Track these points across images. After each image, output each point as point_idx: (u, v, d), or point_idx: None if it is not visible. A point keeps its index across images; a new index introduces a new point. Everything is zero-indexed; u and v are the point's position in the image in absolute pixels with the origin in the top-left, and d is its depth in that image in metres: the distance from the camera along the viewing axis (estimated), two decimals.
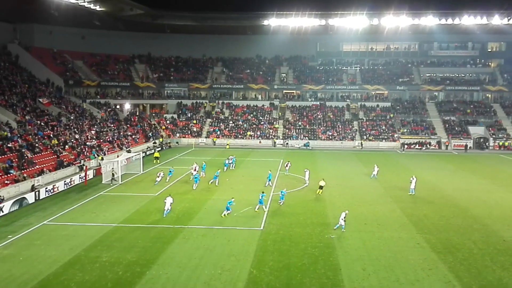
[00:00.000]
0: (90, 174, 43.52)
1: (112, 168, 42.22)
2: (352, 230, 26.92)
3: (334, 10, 74.76)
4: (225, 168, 47.25)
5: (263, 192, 32.53)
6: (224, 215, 29.76)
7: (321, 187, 36.76)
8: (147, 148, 62.52)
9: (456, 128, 74.46)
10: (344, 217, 26.65)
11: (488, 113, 78.52)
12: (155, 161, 53.83)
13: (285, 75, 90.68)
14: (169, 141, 70.88)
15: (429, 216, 30.12)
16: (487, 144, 71.00)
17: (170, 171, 42.47)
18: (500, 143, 70.33)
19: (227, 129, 76.06)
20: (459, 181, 43.42)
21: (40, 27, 75.86)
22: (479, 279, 20.02)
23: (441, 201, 34.85)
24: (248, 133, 74.55)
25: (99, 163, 46.61)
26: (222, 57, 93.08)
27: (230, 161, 49.22)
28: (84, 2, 62.62)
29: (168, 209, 30.32)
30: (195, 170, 42.66)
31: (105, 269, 20.92)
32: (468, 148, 68.91)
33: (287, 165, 46.61)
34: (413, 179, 37.10)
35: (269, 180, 40.15)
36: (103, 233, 26.12)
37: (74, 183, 40.51)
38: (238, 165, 50.20)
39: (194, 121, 77.96)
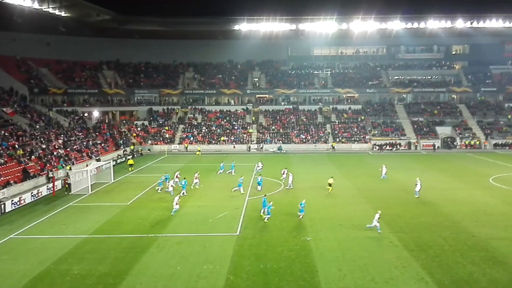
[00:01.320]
0: (58, 184, 42.38)
1: (66, 178, 41.27)
2: (327, 232, 27.02)
3: (305, 15, 75.60)
4: (233, 170, 47.96)
5: (265, 196, 32.54)
6: (301, 217, 29.63)
7: (330, 185, 38.54)
8: (117, 156, 61.47)
9: (424, 129, 76.02)
10: (378, 218, 26.74)
11: (454, 113, 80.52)
12: (130, 168, 53.10)
13: (257, 79, 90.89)
14: (140, 148, 69.83)
15: (401, 215, 30.50)
16: (454, 143, 72.66)
17: (160, 183, 40.84)
18: (466, 142, 72.11)
19: (200, 135, 75.54)
20: (428, 180, 44.03)
21: (2, 34, 73.08)
22: (450, 275, 20.39)
23: (412, 200, 35.39)
24: (222, 138, 74.23)
25: (67, 173, 45.54)
26: (194, 62, 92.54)
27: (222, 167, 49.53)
28: (49, 8, 61.18)
29: (175, 207, 31.37)
30: (196, 178, 41.92)
31: (76, 282, 20.29)
32: (436, 148, 70.43)
33: (258, 167, 47.99)
34: (418, 181, 36.73)
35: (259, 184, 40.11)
36: (73, 245, 25.35)
37: (41, 194, 39.27)
38: (212, 171, 49.82)
39: (166, 128, 77.13)
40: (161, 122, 79.25)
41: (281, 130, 76.95)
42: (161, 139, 74.38)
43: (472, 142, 72.11)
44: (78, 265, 22.31)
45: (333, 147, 70.66)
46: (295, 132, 76.04)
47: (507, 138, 72.28)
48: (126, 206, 34.72)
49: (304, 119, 79.92)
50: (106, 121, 76.52)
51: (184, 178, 39.78)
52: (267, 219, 29.37)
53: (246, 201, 35.26)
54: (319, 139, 73.95)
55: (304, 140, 73.88)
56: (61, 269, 21.84)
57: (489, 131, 74.45)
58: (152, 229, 28.18)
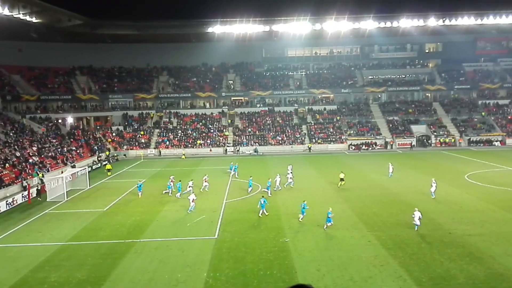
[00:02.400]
0: (34, 192, 41.57)
1: (37, 184, 40.61)
2: (305, 232, 27.19)
3: (278, 16, 75.73)
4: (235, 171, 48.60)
5: (262, 197, 32.65)
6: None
7: (342, 179, 40.48)
8: (93, 162, 60.65)
9: (400, 128, 77.06)
10: (420, 217, 26.92)
11: (429, 111, 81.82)
12: (108, 173, 52.69)
13: (232, 82, 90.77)
14: (116, 154, 69.03)
15: (378, 214, 30.85)
16: (429, 141, 73.82)
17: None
18: (441, 140, 73.35)
19: (176, 139, 75.10)
20: (405, 178, 44.81)
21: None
22: (428, 272, 20.65)
23: (389, 198, 35.84)
24: (198, 141, 73.92)
25: (40, 181, 44.78)
26: (167, 66, 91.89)
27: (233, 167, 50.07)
28: (19, 14, 60.01)
29: (192, 205, 32.53)
30: (205, 181, 41.56)
31: None
32: (412, 146, 71.56)
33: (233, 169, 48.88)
34: (434, 182, 36.31)
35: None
36: (50, 253, 24.98)
37: (16, 202, 38.57)
38: (188, 174, 49.57)
39: (142, 132, 76.42)
40: (136, 127, 78.47)
41: (257, 132, 77.05)
42: (136, 144, 73.66)
43: (447, 140, 73.40)
44: (56, 272, 21.99)
45: (310, 148, 71.08)
46: (271, 134, 76.23)
47: (481, 135, 73.73)
48: (102, 212, 34.30)
49: (280, 121, 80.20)
50: (81, 127, 75.42)
51: (180, 181, 39.87)
52: (301, 219, 29.79)
53: (224, 204, 35.20)
54: (295, 141, 74.29)
55: (280, 142, 74.14)
56: (38, 277, 21.51)
57: (463, 129, 75.88)
58: (130, 235, 27.90)
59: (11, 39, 74.11)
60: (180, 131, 77.25)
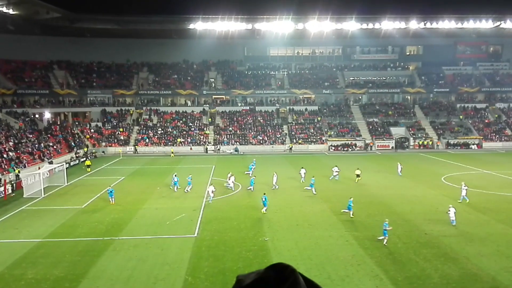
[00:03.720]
0: (9, 188, 40.86)
1: (13, 180, 39.93)
2: (284, 231, 27.33)
3: (260, 14, 75.69)
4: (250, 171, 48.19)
5: (264, 194, 32.87)
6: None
7: (358, 175, 42.15)
8: (70, 159, 59.83)
9: (379, 129, 77.86)
10: (455, 213, 27.66)
11: (408, 114, 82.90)
12: (87, 169, 52.34)
13: (213, 80, 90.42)
14: (94, 150, 68.18)
15: (356, 214, 31.10)
16: (407, 144, 74.79)
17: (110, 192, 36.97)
18: (420, 142, 74.34)
19: (156, 136, 74.56)
20: (382, 179, 45.33)
21: None
22: (404, 271, 21.02)
23: (367, 199, 36.18)
24: (178, 140, 73.52)
25: (16, 177, 44.05)
26: (148, 62, 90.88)
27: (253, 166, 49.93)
28: None
29: (211, 196, 33.51)
30: (229, 179, 41.25)
31: (31, 286, 19.78)
32: (397, 147, 72.30)
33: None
34: (464, 186, 35.54)
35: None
36: (27, 250, 24.63)
37: None
38: (168, 172, 49.27)
39: (121, 129, 75.63)
40: (115, 124, 77.61)
41: (238, 131, 77.00)
42: (115, 141, 72.88)
43: (425, 142, 74.44)
44: (33, 269, 21.73)
45: (291, 148, 71.33)
46: (252, 133, 76.28)
47: (458, 138, 75.01)
48: (81, 209, 33.91)
49: (261, 120, 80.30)
50: (58, 123, 74.27)
51: (175, 175, 40.77)
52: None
53: (203, 203, 35.13)
54: (276, 140, 74.48)
55: (261, 141, 74.23)
56: (15, 274, 21.24)
57: (441, 131, 77.07)
58: (108, 232, 27.67)
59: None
60: (160, 129, 76.71)
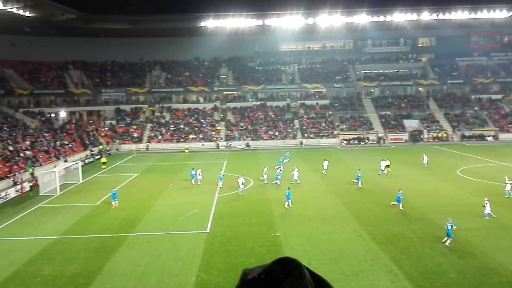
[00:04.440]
0: (27, 186, 41.49)
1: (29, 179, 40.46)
2: (297, 226, 27.34)
3: (271, 10, 75.61)
4: (281, 165, 47.36)
5: (288, 188, 32.72)
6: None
7: (388, 166, 42.26)
8: (85, 157, 60.45)
9: (392, 122, 77.25)
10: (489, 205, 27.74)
11: (422, 106, 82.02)
12: (103, 166, 53.18)
13: (225, 76, 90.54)
14: (108, 148, 68.83)
15: (370, 209, 31.03)
16: (421, 136, 74.08)
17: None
18: (434, 135, 73.54)
19: (168, 133, 74.98)
20: (397, 173, 44.97)
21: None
22: (419, 266, 20.76)
23: (380, 193, 35.87)
24: (190, 136, 73.84)
25: (31, 175, 44.72)
26: (160, 60, 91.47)
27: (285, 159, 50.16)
28: (13, 8, 59.59)
29: (241, 187, 33.89)
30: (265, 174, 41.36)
31: (47, 283, 20.11)
32: (416, 139, 71.79)
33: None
34: (508, 181, 34.35)
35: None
36: (43, 246, 25.06)
37: (9, 196, 38.52)
38: (181, 168, 49.56)
39: (134, 127, 76.15)
40: (128, 121, 78.27)
41: (249, 126, 77.03)
42: (129, 138, 73.50)
43: (440, 135, 73.60)
44: (49, 266, 22.08)
45: (302, 143, 71.18)
46: (263, 128, 76.27)
47: (474, 129, 73.89)
48: (95, 206, 34.34)
49: (272, 115, 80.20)
50: (73, 122, 75.12)
51: (192, 169, 41.83)
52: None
53: (215, 199, 35.29)
54: (287, 135, 74.40)
55: (272, 136, 74.18)
56: (31, 271, 21.62)
57: (456, 123, 76.16)
58: (122, 229, 27.98)
59: (4, 34, 73.50)
60: (172, 126, 77.12)
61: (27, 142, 55.68)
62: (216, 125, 77.57)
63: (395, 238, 24.72)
